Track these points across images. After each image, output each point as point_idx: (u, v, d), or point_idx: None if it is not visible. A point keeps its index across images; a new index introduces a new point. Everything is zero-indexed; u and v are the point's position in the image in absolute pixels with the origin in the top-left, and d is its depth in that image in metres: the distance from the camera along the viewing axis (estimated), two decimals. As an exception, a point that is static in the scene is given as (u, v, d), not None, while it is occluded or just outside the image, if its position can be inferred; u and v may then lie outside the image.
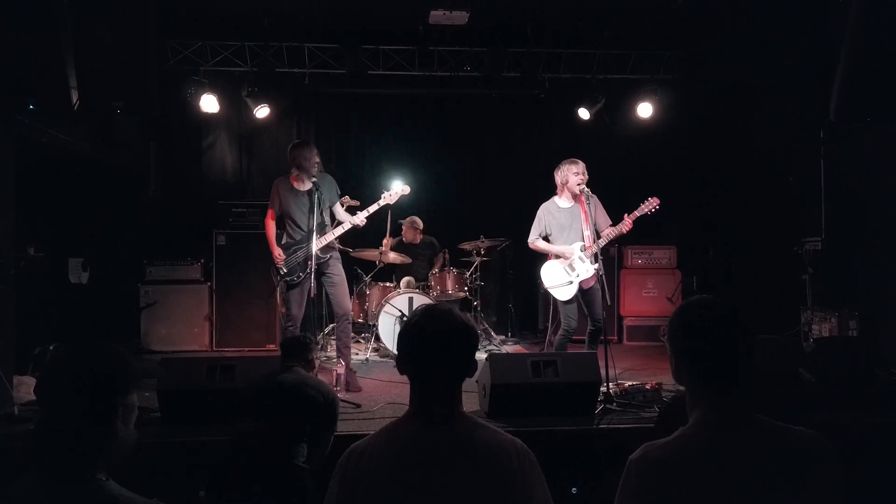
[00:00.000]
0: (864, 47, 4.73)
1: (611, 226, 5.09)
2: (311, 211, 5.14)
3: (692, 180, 8.15)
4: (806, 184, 6.17)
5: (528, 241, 5.34)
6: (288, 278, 5.18)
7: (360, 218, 5.22)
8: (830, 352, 4.72)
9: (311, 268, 5.07)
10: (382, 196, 5.40)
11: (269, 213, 5.32)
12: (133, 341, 6.94)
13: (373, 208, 5.33)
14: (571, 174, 5.13)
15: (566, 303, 5.15)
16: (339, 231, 5.23)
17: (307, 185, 5.22)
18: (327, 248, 5.20)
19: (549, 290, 5.23)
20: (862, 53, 4.75)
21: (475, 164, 8.70)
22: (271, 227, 5.32)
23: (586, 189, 5.04)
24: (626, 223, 5.02)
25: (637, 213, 5.05)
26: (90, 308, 6.48)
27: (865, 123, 5.34)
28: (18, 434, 3.83)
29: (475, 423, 1.69)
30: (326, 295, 5.52)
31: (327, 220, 5.29)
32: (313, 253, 5.07)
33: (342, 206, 5.67)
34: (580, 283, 5.12)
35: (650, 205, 5.05)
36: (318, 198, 5.12)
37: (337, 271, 5.30)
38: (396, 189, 5.44)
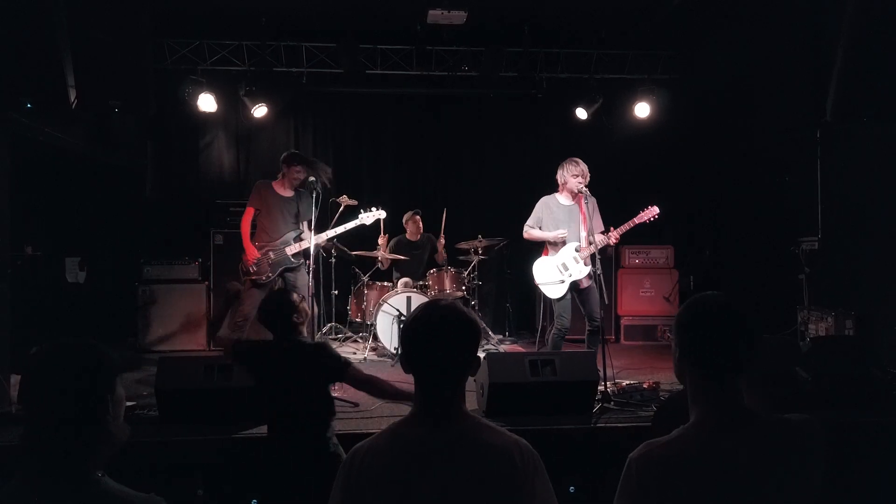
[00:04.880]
0: (861, 47, 4.75)
1: (602, 233, 5.09)
2: (293, 216, 5.45)
3: (689, 180, 8.17)
4: (802, 183, 6.18)
5: (524, 230, 5.37)
6: (255, 277, 5.34)
7: (327, 236, 5.49)
8: (827, 351, 4.72)
9: (290, 266, 5.42)
10: (360, 216, 5.63)
11: (249, 210, 5.50)
12: (130, 341, 6.93)
13: (340, 229, 5.57)
14: (570, 175, 5.15)
15: (557, 301, 5.19)
16: (305, 244, 5.39)
17: (289, 193, 5.49)
18: (299, 254, 5.44)
19: (540, 287, 5.28)
20: (858, 53, 4.77)
21: (473, 164, 8.70)
22: (248, 226, 5.49)
23: (585, 189, 5.06)
24: (613, 236, 5.07)
25: (627, 226, 5.11)
26: (87, 307, 6.48)
27: (862, 123, 5.36)
28: (16, 432, 3.82)
29: (479, 422, 1.68)
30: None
31: (304, 228, 5.53)
32: (312, 252, 5.18)
33: (339, 205, 5.92)
34: (574, 282, 5.15)
35: (649, 213, 5.12)
36: (299, 206, 5.47)
37: (302, 279, 5.47)
38: (374, 213, 5.69)
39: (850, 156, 5.77)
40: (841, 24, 4.96)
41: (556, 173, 5.32)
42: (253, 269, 5.36)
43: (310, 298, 5.22)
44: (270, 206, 5.48)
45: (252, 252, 5.40)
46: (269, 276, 5.40)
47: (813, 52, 5.88)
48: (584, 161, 5.26)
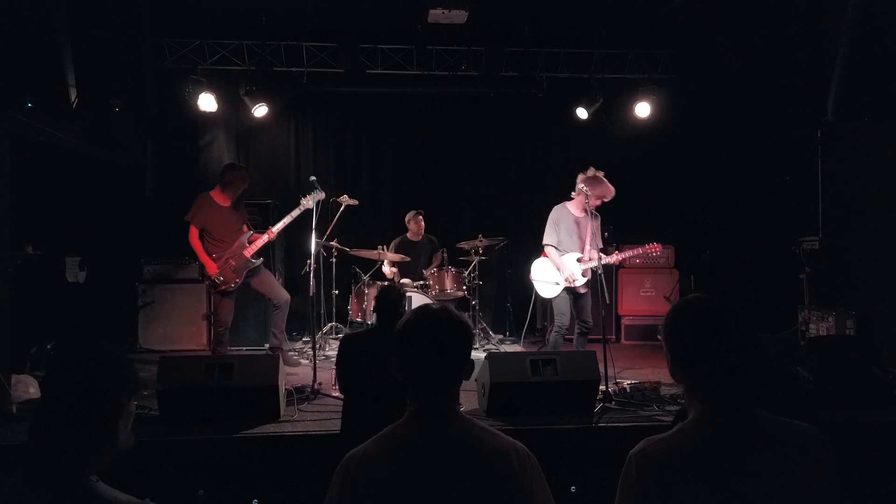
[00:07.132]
0: (862, 46, 4.75)
1: (600, 250, 5.28)
2: (237, 221, 5.55)
3: (689, 179, 8.17)
4: (803, 183, 6.17)
5: (544, 242, 5.47)
6: (224, 287, 5.43)
7: (277, 228, 5.57)
8: (828, 350, 4.73)
9: (253, 267, 5.57)
10: (301, 201, 5.54)
11: (193, 229, 5.44)
12: (130, 340, 6.92)
13: (287, 220, 5.59)
14: (590, 189, 5.24)
15: (552, 300, 5.36)
16: (260, 243, 5.54)
17: (228, 202, 5.55)
18: (257, 254, 5.57)
19: (535, 283, 5.47)
20: (859, 52, 4.77)
21: (473, 164, 8.69)
22: (198, 241, 5.44)
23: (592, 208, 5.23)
24: (616, 259, 5.35)
25: (632, 252, 5.43)
26: (87, 307, 6.46)
27: (863, 122, 5.35)
28: (16, 432, 3.82)
29: (474, 424, 1.67)
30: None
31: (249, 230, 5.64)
32: (313, 251, 5.20)
33: (340, 205, 6.09)
34: (568, 289, 5.30)
35: (653, 248, 5.44)
36: (241, 213, 5.62)
37: (266, 276, 5.74)
38: (315, 194, 5.44)
39: (850, 155, 5.76)
40: (842, 23, 4.96)
41: (572, 176, 5.44)
42: (219, 280, 5.42)
43: (310, 298, 5.22)
44: (211, 217, 5.48)
45: (211, 266, 5.42)
46: (237, 283, 5.48)
47: (814, 51, 5.88)
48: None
